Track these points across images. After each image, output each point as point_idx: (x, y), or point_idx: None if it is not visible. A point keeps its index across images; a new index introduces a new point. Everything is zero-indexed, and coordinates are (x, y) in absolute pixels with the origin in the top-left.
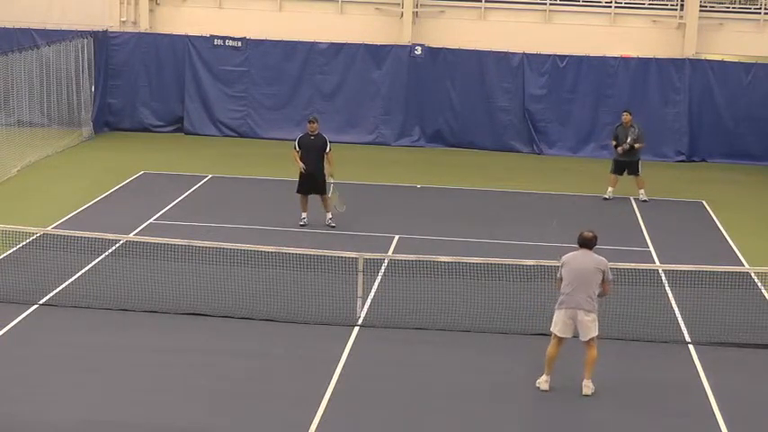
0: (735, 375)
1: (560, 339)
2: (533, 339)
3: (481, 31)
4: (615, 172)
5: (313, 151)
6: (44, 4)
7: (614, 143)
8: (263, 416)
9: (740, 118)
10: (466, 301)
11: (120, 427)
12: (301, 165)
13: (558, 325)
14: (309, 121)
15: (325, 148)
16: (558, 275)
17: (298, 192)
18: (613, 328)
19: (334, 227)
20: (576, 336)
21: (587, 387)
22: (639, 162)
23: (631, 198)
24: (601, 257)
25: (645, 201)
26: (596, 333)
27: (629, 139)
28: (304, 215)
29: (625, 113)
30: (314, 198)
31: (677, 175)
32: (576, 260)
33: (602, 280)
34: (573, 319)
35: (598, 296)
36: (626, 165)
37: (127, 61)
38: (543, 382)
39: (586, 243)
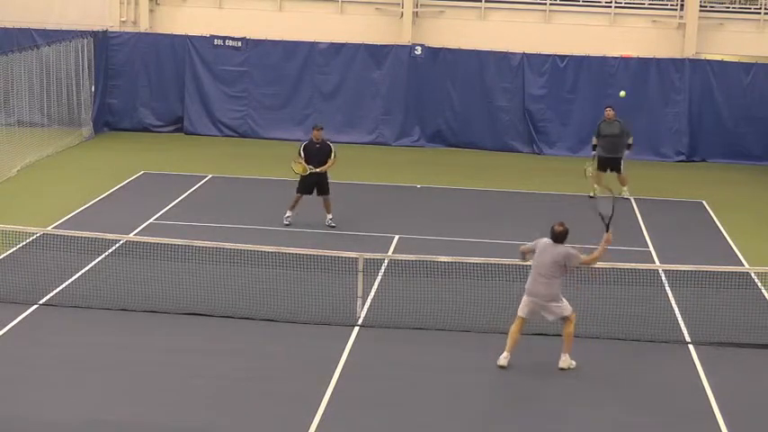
0: (735, 375)
1: (523, 320)
2: (533, 339)
3: (481, 31)
4: (599, 169)
5: (317, 159)
6: (44, 4)
7: (595, 142)
8: (263, 416)
9: (740, 118)
10: (466, 301)
11: (120, 426)
12: (308, 166)
13: (525, 308)
14: (316, 129)
15: (330, 156)
16: (528, 247)
17: (298, 192)
18: (613, 328)
19: (334, 227)
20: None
21: (564, 361)
22: (623, 160)
23: (632, 198)
24: (563, 250)
25: (627, 198)
26: (568, 313)
27: (626, 153)
28: (290, 213)
29: (608, 109)
30: (317, 200)
31: (677, 175)
32: (540, 250)
33: (565, 266)
34: (536, 305)
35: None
36: (609, 161)
37: (127, 61)
38: (503, 358)
39: (554, 237)
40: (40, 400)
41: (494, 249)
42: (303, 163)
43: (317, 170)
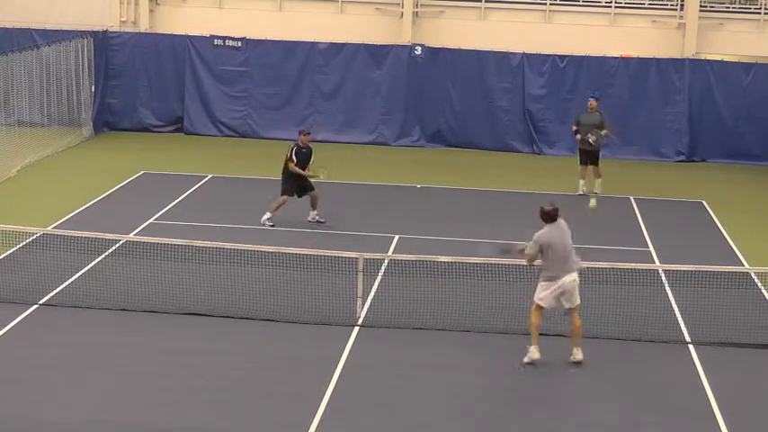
0: (735, 375)
1: (543, 310)
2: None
3: (481, 31)
4: (582, 163)
5: (304, 161)
6: (44, 4)
7: (575, 128)
8: (263, 416)
9: (740, 118)
10: (466, 301)
11: (120, 426)
12: (307, 173)
13: (549, 298)
14: (304, 134)
15: (311, 158)
16: (534, 252)
17: (288, 194)
18: (613, 328)
19: (323, 222)
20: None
21: (579, 353)
22: (599, 152)
23: (631, 198)
24: (563, 222)
25: (596, 193)
26: (579, 300)
27: (591, 138)
28: (270, 215)
29: (591, 100)
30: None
31: (677, 175)
32: (556, 237)
33: None
34: (563, 290)
35: None
36: (588, 154)
37: (127, 61)
38: (535, 351)
39: (553, 217)
40: (40, 400)
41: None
42: (299, 169)
43: (309, 174)
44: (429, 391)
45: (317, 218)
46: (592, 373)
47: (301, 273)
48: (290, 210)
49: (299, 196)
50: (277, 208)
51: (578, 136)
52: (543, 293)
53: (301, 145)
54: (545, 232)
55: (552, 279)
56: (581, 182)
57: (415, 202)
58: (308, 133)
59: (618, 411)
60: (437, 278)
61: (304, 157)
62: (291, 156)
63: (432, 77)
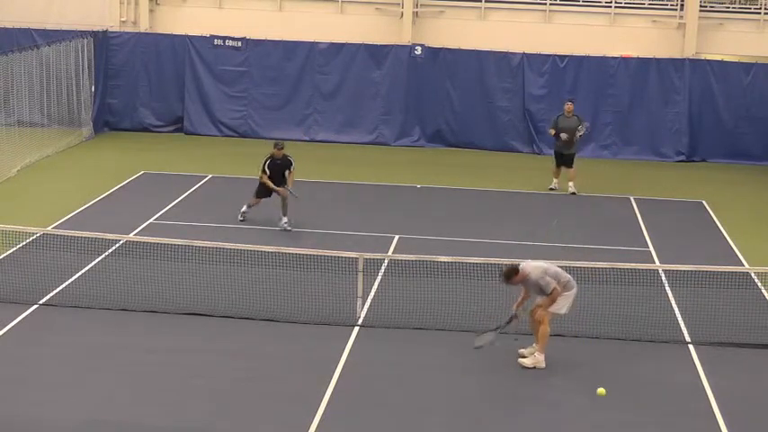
0: (735, 375)
1: None
2: (534, 340)
3: (481, 31)
4: (558, 165)
5: (279, 172)
6: (44, 4)
7: (552, 132)
8: (263, 416)
9: (740, 118)
10: (466, 301)
11: (120, 426)
12: (279, 189)
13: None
14: (277, 148)
15: (290, 167)
16: (555, 280)
17: (259, 197)
18: (613, 328)
19: (289, 230)
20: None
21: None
22: (575, 155)
23: (631, 198)
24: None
25: (573, 193)
26: None
27: (566, 136)
28: (246, 209)
29: (568, 103)
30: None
31: (677, 175)
32: (542, 264)
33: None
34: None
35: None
36: (564, 156)
37: (127, 61)
38: (542, 361)
39: (515, 269)
40: (40, 400)
41: (494, 249)
42: (270, 183)
43: (280, 189)
44: (429, 391)
45: (285, 225)
46: (592, 373)
47: (301, 273)
48: (289, 210)
49: (268, 197)
50: (250, 206)
51: (563, 135)
52: (567, 302)
53: (276, 157)
54: (535, 265)
55: (573, 285)
56: (554, 180)
57: (415, 202)
58: (282, 147)
59: (618, 411)
60: (437, 278)
61: (278, 168)
62: (264, 168)
63: (432, 77)
